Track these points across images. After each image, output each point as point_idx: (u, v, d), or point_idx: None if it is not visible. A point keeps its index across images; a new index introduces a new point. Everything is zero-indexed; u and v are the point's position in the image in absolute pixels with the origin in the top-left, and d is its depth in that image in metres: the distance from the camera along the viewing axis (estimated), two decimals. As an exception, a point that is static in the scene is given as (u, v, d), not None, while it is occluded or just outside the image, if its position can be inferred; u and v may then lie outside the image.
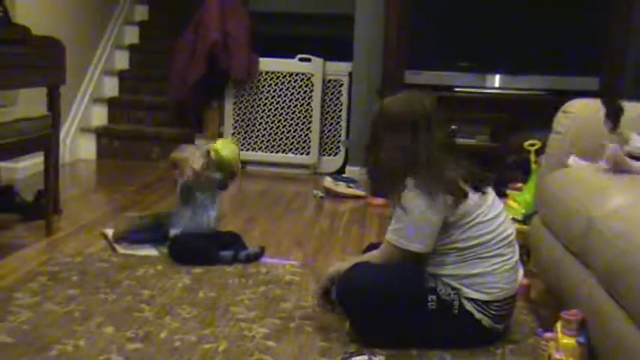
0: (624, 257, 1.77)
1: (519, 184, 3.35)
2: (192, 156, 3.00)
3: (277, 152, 5.17)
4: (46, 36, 3.54)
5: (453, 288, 2.13)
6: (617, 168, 2.18)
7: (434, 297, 2.11)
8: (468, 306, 2.12)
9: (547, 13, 4.23)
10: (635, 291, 1.68)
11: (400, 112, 2.17)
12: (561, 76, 4.19)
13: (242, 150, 5.19)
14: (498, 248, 2.13)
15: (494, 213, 2.15)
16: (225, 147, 3.12)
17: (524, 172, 3.43)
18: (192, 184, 2.98)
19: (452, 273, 2.13)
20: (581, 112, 2.57)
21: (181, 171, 3.02)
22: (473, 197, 2.11)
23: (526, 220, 2.94)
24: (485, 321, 2.14)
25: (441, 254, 2.14)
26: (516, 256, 2.20)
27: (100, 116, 5.54)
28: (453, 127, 4.04)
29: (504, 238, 2.15)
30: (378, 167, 2.23)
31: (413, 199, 2.08)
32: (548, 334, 2.07)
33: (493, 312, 2.14)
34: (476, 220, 2.11)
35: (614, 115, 2.42)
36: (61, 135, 4.16)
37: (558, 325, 2.00)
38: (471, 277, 2.12)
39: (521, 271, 2.25)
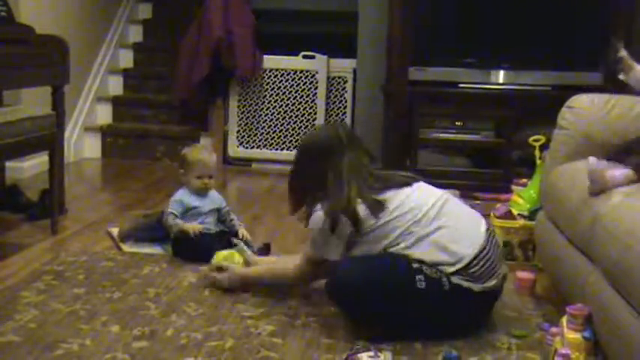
0: (629, 252, 1.76)
1: (524, 180, 3.34)
2: (200, 163, 3.02)
3: (282, 150, 5.17)
4: (49, 35, 3.55)
5: (431, 266, 2.17)
6: (595, 187, 2.16)
7: (421, 276, 2.15)
8: (454, 279, 2.16)
9: (550, 8, 4.22)
10: (638, 285, 1.68)
11: (316, 140, 2.40)
12: (565, 72, 4.17)
13: (247, 148, 5.21)
14: (430, 219, 2.21)
15: (405, 194, 2.26)
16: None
17: (529, 167, 3.42)
18: (190, 191, 3.03)
19: (416, 257, 2.19)
20: (585, 107, 2.56)
21: (186, 174, 3.02)
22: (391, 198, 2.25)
23: (531, 215, 2.94)
24: (475, 286, 2.17)
25: (392, 247, 2.22)
26: (454, 220, 2.24)
27: (104, 115, 5.55)
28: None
29: (431, 207, 2.23)
30: (297, 191, 2.44)
31: (318, 223, 2.28)
32: (553, 329, 2.07)
33: (476, 272, 2.17)
34: (394, 214, 2.21)
35: (614, 61, 2.43)
36: (66, 134, 4.17)
37: (564, 319, 2.00)
38: (430, 252, 2.18)
39: (481, 223, 2.29)
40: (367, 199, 2.24)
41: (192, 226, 2.92)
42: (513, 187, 3.35)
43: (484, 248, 2.21)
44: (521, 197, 3.13)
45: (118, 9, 6.00)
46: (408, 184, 2.31)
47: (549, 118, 2.80)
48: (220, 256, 2.67)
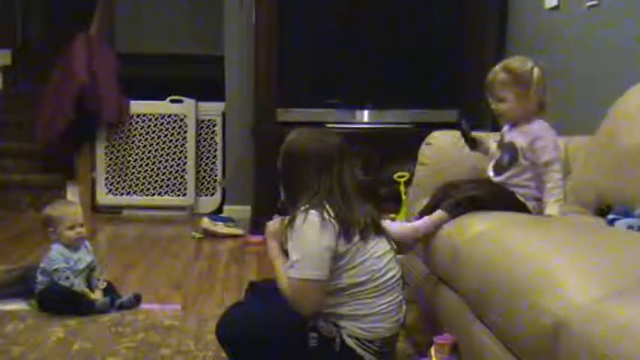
0: (486, 280, 1.86)
1: (392, 215, 3.45)
2: (67, 214, 2.92)
3: (153, 195, 5.10)
4: None
5: (336, 325, 2.12)
6: (404, 247, 2.36)
7: (315, 334, 2.10)
8: (350, 342, 2.11)
9: (408, 50, 4.42)
10: (498, 313, 1.77)
11: (314, 147, 2.16)
12: (424, 110, 4.37)
13: (117, 195, 5.10)
14: (385, 288, 2.14)
15: (381, 252, 2.16)
16: None
17: (395, 202, 3.54)
18: (65, 245, 2.91)
19: (337, 312, 2.12)
20: (442, 143, 2.69)
21: (55, 230, 2.92)
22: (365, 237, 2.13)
23: (399, 249, 3.03)
24: (368, 357, 2.14)
25: (328, 294, 2.12)
26: (401, 296, 2.22)
27: (-38, 166, 5.29)
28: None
29: (391, 278, 2.16)
30: (285, 198, 2.24)
31: (305, 225, 2.07)
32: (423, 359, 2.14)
33: (376, 349, 2.14)
34: (365, 256, 2.11)
35: (465, 138, 2.56)
36: None
37: (432, 349, 2.07)
38: (356, 317, 2.12)
39: (404, 308, 2.26)
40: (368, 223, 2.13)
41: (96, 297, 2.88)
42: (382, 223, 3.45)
43: (395, 334, 2.21)
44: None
45: (-26, 56, 5.76)
46: (379, 230, 2.19)
47: (412, 154, 2.92)
48: None
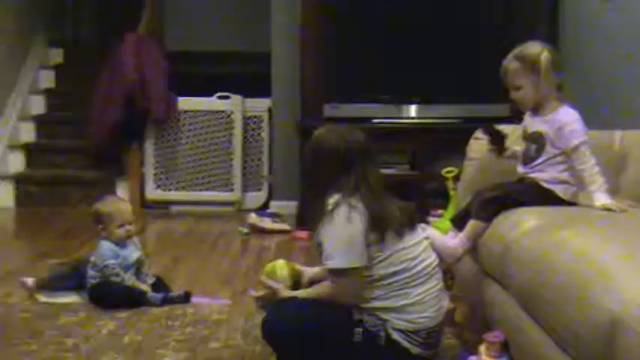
0: (540, 278, 1.83)
1: (440, 211, 3.42)
2: (117, 212, 2.96)
3: (201, 191, 5.15)
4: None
5: (380, 319, 2.13)
6: (450, 260, 2.42)
7: (360, 329, 2.11)
8: (395, 336, 2.12)
9: (456, 44, 4.37)
10: (550, 310, 1.74)
11: (340, 143, 2.17)
12: (473, 104, 4.32)
13: (165, 190, 5.16)
14: (421, 277, 2.14)
15: (415, 240, 2.17)
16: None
17: (443, 198, 3.51)
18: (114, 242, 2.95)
19: (377, 306, 2.13)
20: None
21: (106, 227, 2.96)
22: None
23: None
24: (414, 349, 2.14)
25: (365, 287, 2.14)
26: (440, 284, 2.23)
27: (17, 163, 5.41)
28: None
29: (427, 266, 2.16)
30: (311, 196, 2.27)
31: (334, 215, 2.09)
32: (472, 357, 2.12)
33: (421, 340, 2.15)
34: (397, 247, 2.12)
35: (497, 142, 2.53)
36: (-24, 184, 4.05)
37: (482, 347, 2.05)
38: (397, 309, 2.12)
39: (446, 298, 2.29)
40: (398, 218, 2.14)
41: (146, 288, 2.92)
42: (429, 219, 3.42)
43: (440, 323, 2.20)
44: (438, 228, 3.20)
45: (28, 54, 5.89)
46: (414, 224, 2.20)
47: (460, 149, 2.89)
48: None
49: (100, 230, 2.98)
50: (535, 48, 2.37)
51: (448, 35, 4.41)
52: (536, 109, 2.41)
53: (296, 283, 2.38)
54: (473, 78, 4.35)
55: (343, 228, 2.08)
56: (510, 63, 2.40)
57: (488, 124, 2.56)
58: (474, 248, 2.41)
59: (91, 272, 2.95)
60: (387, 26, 4.44)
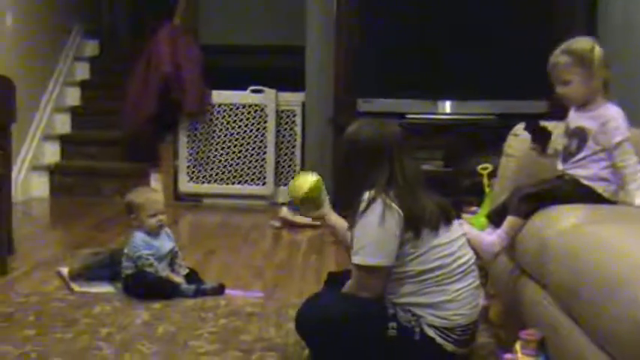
0: (578, 276, 1.81)
1: (474, 208, 3.39)
2: (149, 202, 2.97)
3: (233, 184, 5.17)
4: (-6, 74, 3.50)
5: (414, 314, 2.12)
6: (488, 257, 2.41)
7: (394, 324, 2.10)
8: (430, 332, 2.11)
9: (493, 39, 4.34)
10: (588, 308, 1.72)
11: (374, 137, 2.17)
12: (510, 100, 4.27)
13: (198, 183, 5.18)
14: (458, 274, 2.12)
15: (451, 237, 2.15)
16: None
17: (478, 195, 3.48)
18: (147, 232, 2.95)
19: (412, 301, 2.12)
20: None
21: (138, 217, 2.98)
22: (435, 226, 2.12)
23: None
24: (448, 346, 2.13)
25: (398, 283, 2.13)
26: (477, 281, 2.21)
27: (52, 153, 5.47)
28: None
29: (464, 263, 2.15)
30: (345, 190, 2.26)
31: (369, 211, 2.08)
32: (508, 355, 2.09)
33: (455, 337, 2.13)
34: (433, 243, 2.11)
35: (541, 140, 2.49)
36: (13, 174, 4.10)
37: (517, 345, 2.03)
38: (433, 305, 2.11)
39: (482, 295, 2.27)
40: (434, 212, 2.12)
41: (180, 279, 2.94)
42: (464, 215, 3.39)
43: (475, 321, 2.18)
44: (473, 224, 3.17)
45: (64, 46, 5.95)
46: (450, 219, 2.18)
47: (495, 146, 2.86)
48: (310, 186, 2.36)
49: (132, 220, 2.99)
50: (586, 43, 2.34)
51: (484, 30, 4.36)
52: (583, 105, 2.38)
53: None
54: (509, 74, 4.31)
55: (375, 226, 2.07)
56: (560, 57, 2.35)
57: (532, 121, 2.51)
58: (509, 245, 2.39)
59: (124, 263, 2.97)
60: (423, 20, 4.42)
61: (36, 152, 5.30)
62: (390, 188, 2.10)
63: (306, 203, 2.40)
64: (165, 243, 3.00)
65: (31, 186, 5.21)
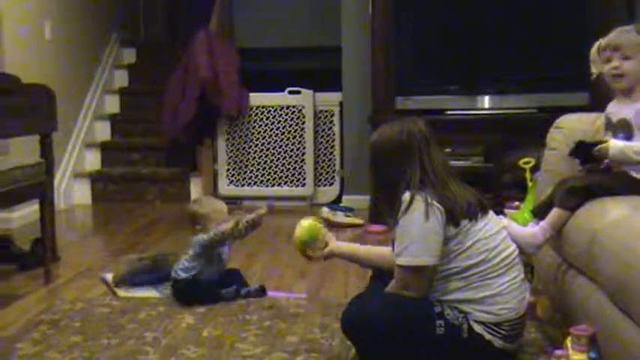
0: (629, 269, 1.76)
1: (516, 203, 3.34)
2: (214, 212, 2.97)
3: (273, 186, 5.17)
4: (35, 84, 3.55)
5: (461, 312, 2.10)
6: (530, 250, 2.35)
7: (441, 322, 2.08)
8: (478, 328, 2.09)
9: (532, 32, 4.27)
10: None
11: (399, 137, 2.17)
12: (551, 93, 4.20)
13: (237, 186, 5.20)
14: (502, 268, 2.10)
15: (493, 230, 2.13)
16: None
17: (520, 190, 3.43)
18: (216, 241, 2.91)
19: (459, 298, 2.10)
20: (574, 127, 2.58)
21: (204, 227, 2.96)
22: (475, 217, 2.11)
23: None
24: (497, 342, 2.10)
25: (445, 280, 2.11)
26: (522, 274, 2.18)
27: (93, 161, 5.54)
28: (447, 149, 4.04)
29: (507, 256, 2.12)
30: (382, 193, 2.27)
31: (410, 211, 2.07)
32: (558, 352, 2.05)
33: (504, 332, 2.10)
34: (476, 237, 2.09)
35: (589, 159, 2.41)
36: (55, 181, 4.15)
37: (568, 341, 1.98)
38: (478, 301, 2.09)
39: (528, 289, 2.23)
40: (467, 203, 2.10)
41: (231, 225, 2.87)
42: (506, 211, 3.35)
43: (522, 315, 2.16)
44: (515, 220, 3.13)
45: (102, 55, 6.03)
46: (485, 209, 2.15)
47: (537, 140, 2.81)
48: (304, 231, 2.50)
49: (197, 231, 2.97)
50: None
51: (522, 23, 4.29)
52: (628, 92, 2.32)
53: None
54: (548, 66, 4.24)
55: (417, 225, 2.06)
56: (630, 33, 2.30)
57: (575, 146, 2.42)
58: (554, 239, 2.34)
59: (185, 264, 2.91)
60: (460, 15, 4.36)
61: (77, 160, 5.36)
62: (424, 185, 2.09)
63: (309, 247, 2.51)
64: (225, 248, 3.00)
65: (73, 193, 5.28)
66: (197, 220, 2.96)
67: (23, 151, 3.89)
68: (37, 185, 3.15)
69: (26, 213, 4.40)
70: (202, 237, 2.88)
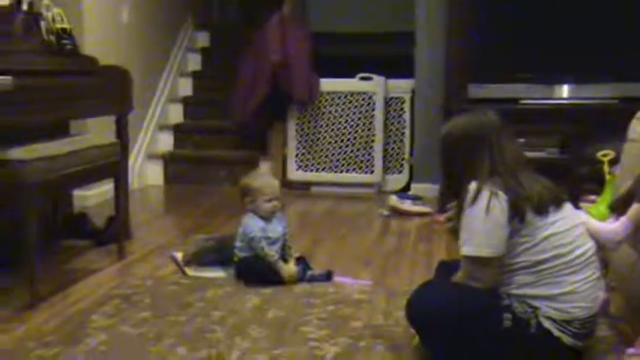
0: None
1: (593, 197, 3.25)
2: (266, 186, 3.00)
3: (341, 172, 5.16)
4: (112, 66, 3.62)
5: (530, 306, 2.05)
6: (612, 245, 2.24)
7: (509, 315, 2.03)
8: (547, 324, 2.03)
9: (612, 19, 4.13)
10: None
11: (470, 127, 2.16)
12: (632, 83, 4.06)
13: (306, 171, 5.21)
14: (576, 265, 2.04)
15: (567, 225, 2.07)
16: None
17: (597, 183, 3.33)
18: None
19: (528, 293, 2.05)
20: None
21: (254, 200, 3.00)
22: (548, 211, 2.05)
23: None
24: (565, 339, 2.05)
25: (513, 273, 2.07)
26: (598, 273, 2.11)
27: (166, 142, 5.63)
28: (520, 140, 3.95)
29: (583, 254, 2.06)
30: (449, 182, 2.26)
31: (476, 202, 2.04)
32: (631, 350, 2.00)
33: (574, 330, 2.05)
34: (547, 232, 2.03)
35: None
36: (130, 162, 4.24)
37: (642, 339, 1.92)
38: (549, 297, 2.03)
39: (602, 288, 2.16)
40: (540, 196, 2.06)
41: (289, 272, 2.92)
42: (582, 204, 3.26)
43: (595, 315, 2.10)
44: (591, 214, 3.04)
45: (177, 38, 6.11)
46: (560, 203, 2.11)
47: (615, 131, 2.73)
48: None
49: (247, 204, 3.01)
50: None
51: (603, 9, 4.15)
52: None
53: None
54: (630, 54, 4.09)
55: (482, 216, 2.02)
56: None
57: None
58: (633, 234, 2.26)
59: (238, 244, 3.00)
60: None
61: (151, 141, 5.46)
62: (492, 176, 2.06)
63: None
64: (277, 227, 3.02)
65: (146, 174, 5.39)
66: (248, 192, 2.99)
67: (101, 130, 3.98)
68: (112, 165, 3.21)
69: (101, 192, 4.51)
70: (255, 234, 2.92)
